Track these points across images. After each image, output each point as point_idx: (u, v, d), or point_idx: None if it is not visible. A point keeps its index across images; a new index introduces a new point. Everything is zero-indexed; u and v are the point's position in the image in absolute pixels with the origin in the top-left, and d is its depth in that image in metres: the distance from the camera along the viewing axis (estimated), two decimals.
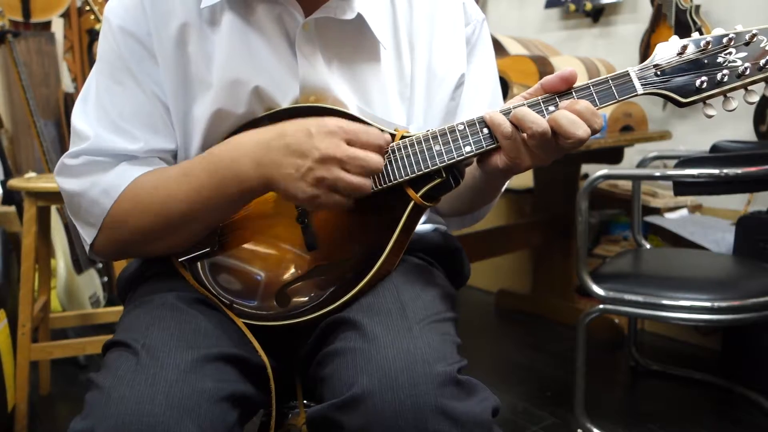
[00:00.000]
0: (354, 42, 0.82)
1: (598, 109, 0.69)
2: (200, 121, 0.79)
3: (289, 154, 0.68)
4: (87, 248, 0.80)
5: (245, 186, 0.71)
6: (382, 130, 0.75)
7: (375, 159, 0.69)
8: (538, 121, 0.68)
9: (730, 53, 0.68)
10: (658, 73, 0.69)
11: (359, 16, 0.79)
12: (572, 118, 0.67)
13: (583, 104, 0.68)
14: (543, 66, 1.98)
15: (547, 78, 0.70)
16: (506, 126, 0.69)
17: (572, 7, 2.65)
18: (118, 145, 0.77)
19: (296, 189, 0.69)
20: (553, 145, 0.69)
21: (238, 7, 0.78)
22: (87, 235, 0.79)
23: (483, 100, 0.90)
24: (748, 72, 0.67)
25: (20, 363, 1.67)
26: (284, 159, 0.68)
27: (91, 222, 0.77)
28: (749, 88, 0.69)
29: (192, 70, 0.78)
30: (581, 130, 0.67)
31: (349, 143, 0.68)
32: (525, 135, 0.69)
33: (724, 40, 0.68)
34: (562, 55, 2.40)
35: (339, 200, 0.70)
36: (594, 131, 0.68)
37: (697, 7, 2.23)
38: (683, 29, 2.23)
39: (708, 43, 0.68)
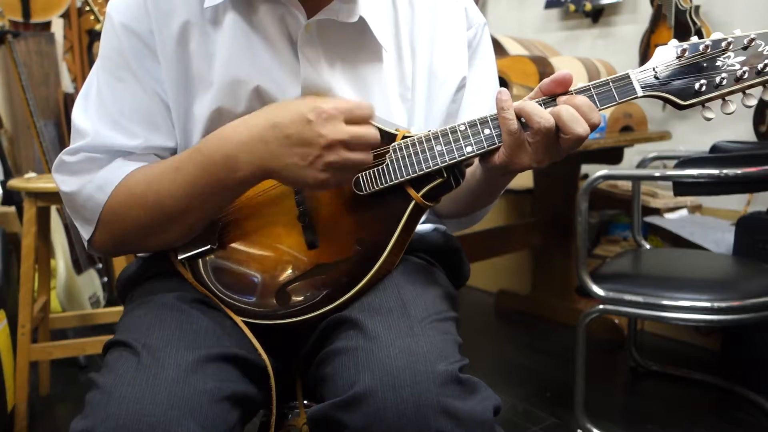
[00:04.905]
0: (355, 44, 0.82)
1: (598, 111, 0.70)
2: (200, 120, 0.79)
3: (291, 144, 0.68)
4: (86, 244, 0.81)
5: (241, 179, 0.72)
6: (383, 130, 0.75)
7: (373, 132, 0.70)
8: (546, 116, 0.68)
9: (728, 57, 0.68)
10: (658, 76, 0.70)
11: (361, 20, 0.79)
12: (573, 113, 0.68)
13: (581, 99, 0.69)
14: (543, 66, 1.98)
15: (544, 81, 0.71)
16: (513, 123, 0.70)
17: (572, 7, 2.65)
18: (117, 141, 0.77)
19: (305, 176, 0.69)
20: (554, 142, 0.70)
21: (241, 7, 0.78)
22: (84, 231, 0.79)
23: (484, 103, 0.91)
24: (746, 76, 0.67)
25: (20, 363, 1.67)
26: (286, 150, 0.69)
27: (87, 218, 0.78)
28: (747, 91, 0.69)
29: (193, 69, 0.78)
30: (581, 127, 0.68)
31: (347, 122, 0.69)
32: (529, 131, 0.69)
33: (723, 43, 0.68)
34: (561, 55, 2.40)
35: (346, 177, 0.73)
36: (593, 126, 0.69)
37: (697, 8, 2.23)
38: (683, 30, 2.23)
39: (707, 46, 0.68)
